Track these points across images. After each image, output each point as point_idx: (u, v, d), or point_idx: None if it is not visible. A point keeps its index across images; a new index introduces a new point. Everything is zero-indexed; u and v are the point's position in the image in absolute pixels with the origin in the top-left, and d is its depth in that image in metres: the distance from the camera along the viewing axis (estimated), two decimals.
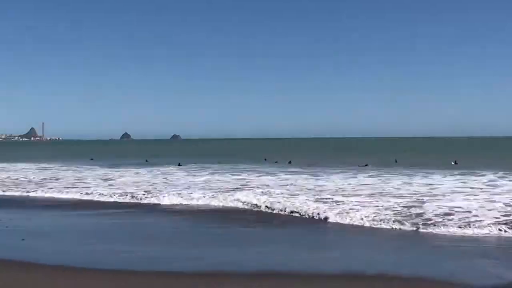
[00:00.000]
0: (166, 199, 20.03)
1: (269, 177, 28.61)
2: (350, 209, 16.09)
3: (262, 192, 20.93)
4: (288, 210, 16.80)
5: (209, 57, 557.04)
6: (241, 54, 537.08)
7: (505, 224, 13.19)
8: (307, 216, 15.81)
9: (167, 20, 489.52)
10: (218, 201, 19.27)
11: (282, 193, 20.48)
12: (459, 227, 13.18)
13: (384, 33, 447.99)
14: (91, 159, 56.98)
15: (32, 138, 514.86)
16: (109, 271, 9.36)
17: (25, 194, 23.30)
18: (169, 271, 9.31)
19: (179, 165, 41.46)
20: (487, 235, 12.51)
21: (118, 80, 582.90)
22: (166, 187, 24.19)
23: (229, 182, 26.47)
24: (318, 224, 14.84)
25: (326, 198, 18.75)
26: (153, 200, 20.15)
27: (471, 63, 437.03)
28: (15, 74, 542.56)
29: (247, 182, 26.28)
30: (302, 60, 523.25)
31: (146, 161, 51.24)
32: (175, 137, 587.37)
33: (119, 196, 21.40)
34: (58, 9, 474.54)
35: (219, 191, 21.52)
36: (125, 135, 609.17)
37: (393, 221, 14.08)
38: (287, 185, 24.14)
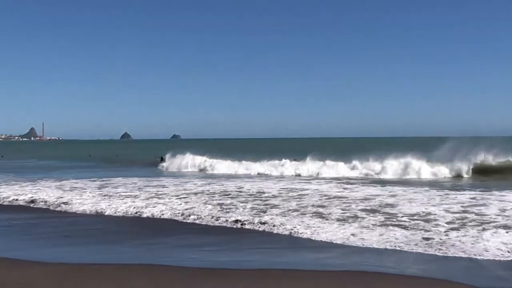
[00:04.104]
0: None
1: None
2: None
3: None
4: None
5: (209, 56, 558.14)
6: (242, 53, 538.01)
7: None
8: None
9: (166, 19, 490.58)
10: None
11: None
12: None
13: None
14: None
15: (32, 138, 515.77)
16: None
17: None
18: None
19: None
20: None
21: (118, 80, 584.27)
22: None
23: None
24: None
25: None
26: None
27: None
28: (15, 74, 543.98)
29: None
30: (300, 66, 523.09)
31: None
32: (175, 137, 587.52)
33: None
34: (60, 9, 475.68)
35: None
36: (125, 135, 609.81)
37: None
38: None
